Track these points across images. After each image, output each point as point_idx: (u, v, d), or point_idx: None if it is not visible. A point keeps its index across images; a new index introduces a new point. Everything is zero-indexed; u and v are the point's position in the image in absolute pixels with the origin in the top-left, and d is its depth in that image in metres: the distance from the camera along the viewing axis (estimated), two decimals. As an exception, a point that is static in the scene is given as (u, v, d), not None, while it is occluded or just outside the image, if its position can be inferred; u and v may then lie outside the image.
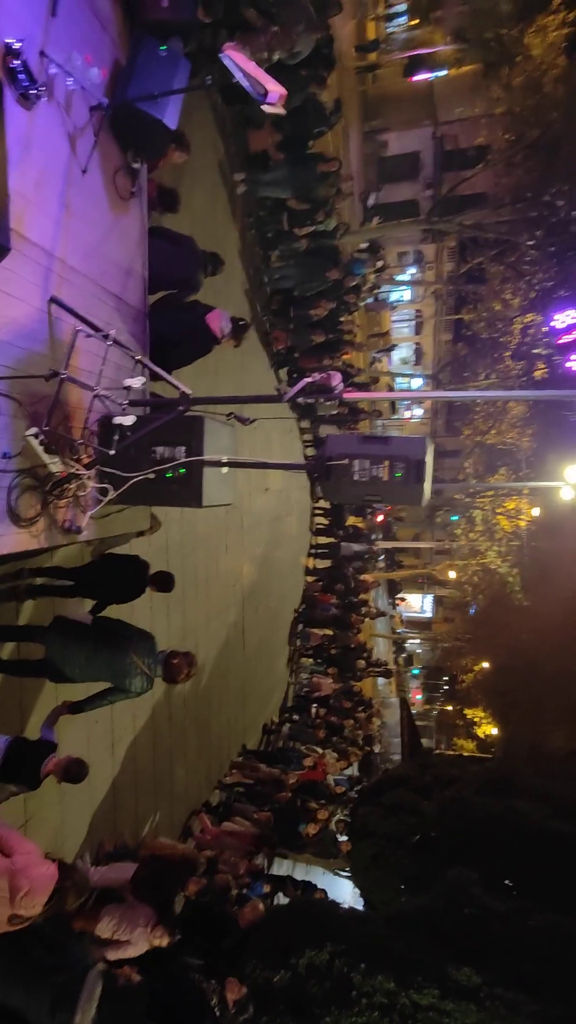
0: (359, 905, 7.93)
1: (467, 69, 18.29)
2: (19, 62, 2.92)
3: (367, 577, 16.82)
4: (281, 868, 8.72)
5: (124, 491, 3.41)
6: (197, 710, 7.77)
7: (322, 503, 15.57)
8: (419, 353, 30.21)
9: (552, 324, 13.45)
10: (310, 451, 14.04)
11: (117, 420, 3.27)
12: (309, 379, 3.39)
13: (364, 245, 14.56)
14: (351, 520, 17.08)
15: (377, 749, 17.26)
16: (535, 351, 15.15)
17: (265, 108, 3.13)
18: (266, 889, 6.65)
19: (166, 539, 6.44)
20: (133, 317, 4.26)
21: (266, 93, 3.07)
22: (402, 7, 25.00)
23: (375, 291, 17.30)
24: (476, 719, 25.32)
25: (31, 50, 3.06)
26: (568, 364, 11.79)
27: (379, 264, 14.68)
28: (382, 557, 24.65)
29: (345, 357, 13.54)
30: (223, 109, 8.28)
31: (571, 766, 10.20)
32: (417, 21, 23.43)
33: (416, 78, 23.17)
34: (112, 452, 3.31)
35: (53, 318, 3.33)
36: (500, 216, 14.49)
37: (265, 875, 6.92)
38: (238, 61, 3.06)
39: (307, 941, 4.88)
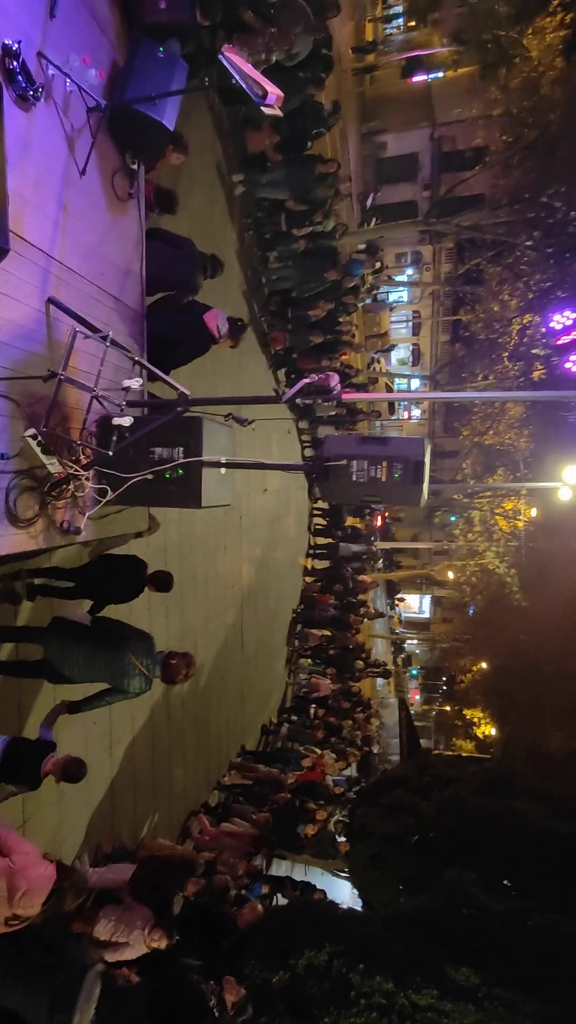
0: (358, 906, 7.92)
1: (465, 71, 18.33)
2: (17, 63, 2.92)
3: (366, 578, 16.81)
4: (280, 869, 8.73)
5: (122, 492, 3.41)
6: (196, 711, 7.77)
7: (321, 504, 15.58)
8: (417, 354, 30.24)
9: (550, 325, 13.45)
10: (309, 452, 14.06)
11: (115, 421, 3.27)
12: (307, 380, 3.40)
13: (362, 246, 14.55)
14: (350, 521, 17.09)
15: (376, 750, 17.25)
16: (533, 352, 15.18)
17: (263, 110, 3.14)
18: (265, 890, 6.66)
19: (164, 540, 6.44)
20: (131, 318, 4.26)
21: (264, 94, 3.08)
22: (400, 9, 25.06)
23: (373, 292, 17.31)
24: (475, 719, 25.32)
25: (29, 51, 3.06)
26: (566, 365, 11.78)
27: (377, 265, 14.65)
28: (381, 559, 24.65)
29: (343, 358, 13.55)
30: (221, 110, 8.29)
31: (570, 766, 10.20)
32: (415, 23, 23.52)
33: (414, 79, 23.25)
34: (110, 453, 3.31)
35: (51, 319, 3.33)
36: (498, 217, 14.51)
37: (264, 876, 6.92)
38: (236, 62, 3.07)
39: (306, 942, 4.88)
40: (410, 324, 30.27)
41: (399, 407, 29.50)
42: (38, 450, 3.08)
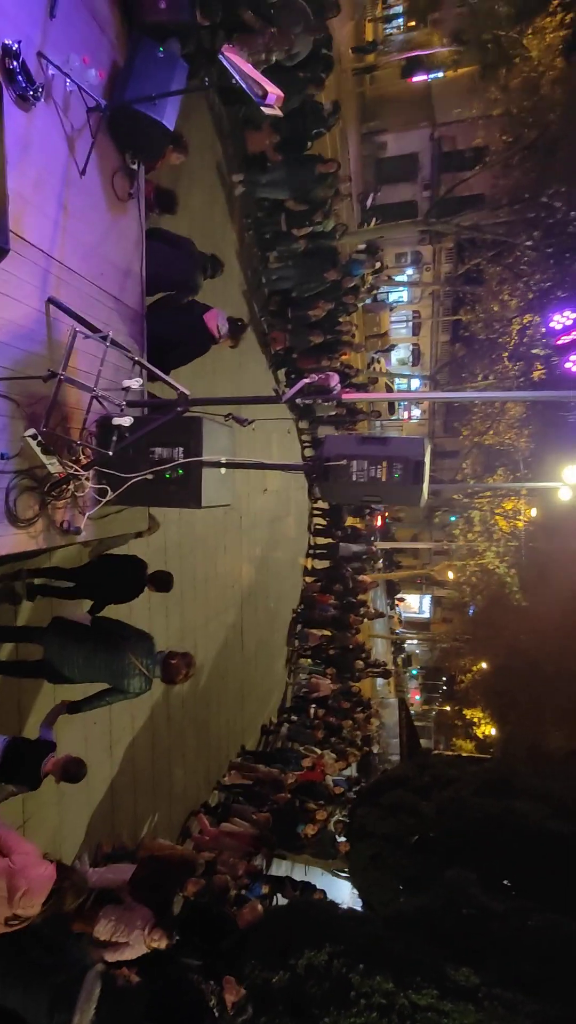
0: (358, 906, 7.92)
1: (465, 71, 18.34)
2: (17, 63, 2.92)
3: (365, 578, 16.82)
4: (280, 869, 8.73)
5: (122, 492, 3.41)
6: (196, 711, 7.77)
7: (321, 504, 15.59)
8: (417, 354, 30.25)
9: (550, 325, 13.44)
10: (309, 452, 14.06)
11: (115, 421, 3.27)
12: (307, 380, 3.40)
13: (362, 246, 14.55)
14: (349, 521, 17.09)
15: (376, 750, 17.25)
16: (533, 352, 15.18)
17: (263, 110, 3.14)
18: (265, 890, 6.66)
19: (164, 540, 6.44)
20: (131, 318, 4.26)
21: (264, 94, 3.08)
22: (400, 9, 25.06)
23: (373, 292, 17.32)
24: (475, 719, 25.32)
25: (29, 51, 3.06)
26: (566, 365, 11.78)
27: (377, 265, 14.66)
28: (381, 559, 24.65)
29: (343, 358, 13.55)
30: (221, 110, 8.29)
31: (570, 766, 10.19)
32: (415, 23, 23.53)
33: (414, 79, 23.25)
34: (110, 453, 3.31)
35: (51, 319, 3.33)
36: (498, 217, 14.51)
37: (264, 876, 6.92)
38: (236, 62, 3.07)
39: (306, 942, 4.88)
40: (410, 324, 30.28)
41: (399, 407, 29.51)
42: (38, 450, 3.08)
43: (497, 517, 19.33)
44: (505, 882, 6.53)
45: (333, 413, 14.09)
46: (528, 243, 14.04)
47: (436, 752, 20.93)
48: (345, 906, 6.74)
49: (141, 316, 4.38)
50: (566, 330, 12.65)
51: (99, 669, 3.81)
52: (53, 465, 3.16)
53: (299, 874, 9.03)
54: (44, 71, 3.18)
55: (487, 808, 7.10)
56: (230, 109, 8.30)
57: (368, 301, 17.02)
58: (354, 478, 3.43)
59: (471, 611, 24.07)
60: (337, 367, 12.43)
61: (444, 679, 31.63)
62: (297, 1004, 4.57)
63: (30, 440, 3.03)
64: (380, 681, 21.88)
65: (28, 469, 3.11)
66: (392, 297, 28.66)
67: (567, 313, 12.67)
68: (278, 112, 3.21)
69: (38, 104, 3.12)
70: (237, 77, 3.08)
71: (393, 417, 29.69)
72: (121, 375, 3.70)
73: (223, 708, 8.91)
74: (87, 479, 3.32)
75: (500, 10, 14.08)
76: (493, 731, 23.29)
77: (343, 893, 9.87)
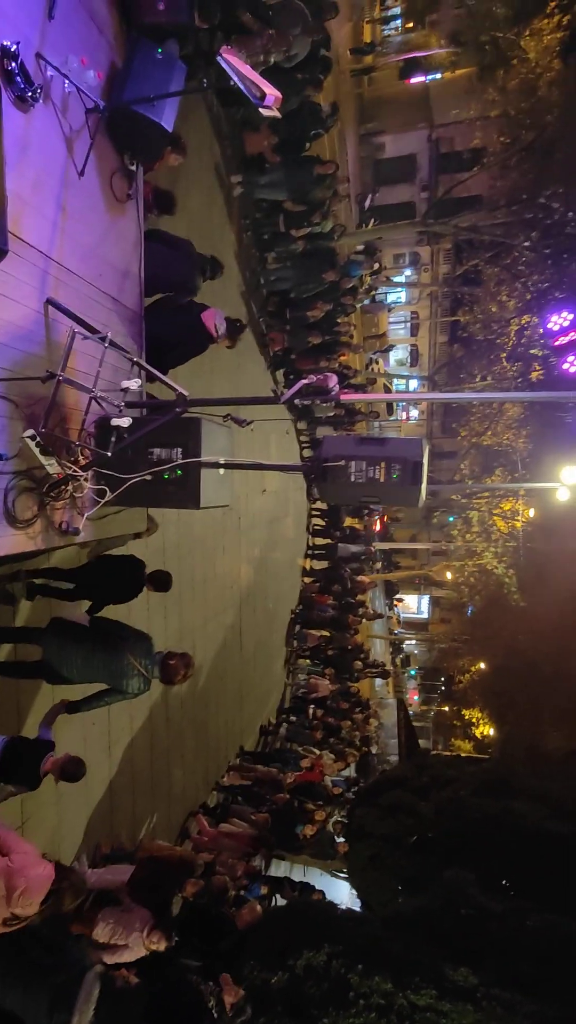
0: (356, 906, 7.91)
1: (462, 72, 18.36)
2: (15, 64, 2.92)
3: (364, 578, 16.82)
4: (279, 869, 8.72)
5: (121, 493, 3.41)
6: (194, 711, 7.77)
7: (319, 504, 15.59)
8: (415, 355, 30.30)
9: (548, 326, 13.45)
10: (307, 452, 14.07)
11: (114, 422, 3.27)
12: (306, 381, 3.40)
13: (360, 247, 14.58)
14: (348, 521, 17.10)
15: (374, 750, 17.24)
16: (531, 353, 15.20)
17: (261, 111, 3.14)
18: (264, 890, 6.65)
19: (163, 541, 6.44)
20: (130, 319, 4.27)
21: (263, 96, 3.08)
22: (398, 10, 25.11)
23: (372, 293, 17.34)
24: (473, 720, 25.34)
25: (27, 52, 3.07)
26: (563, 366, 11.78)
27: (375, 266, 14.69)
28: (379, 559, 24.67)
29: (342, 359, 13.56)
30: (219, 112, 8.30)
31: (568, 767, 10.21)
32: (413, 24, 23.58)
33: (412, 81, 23.29)
34: (109, 454, 3.31)
35: (50, 320, 3.33)
36: (496, 218, 14.52)
37: (263, 876, 6.92)
38: (235, 64, 3.07)
39: (305, 942, 4.88)
40: (408, 325, 30.33)
41: (397, 408, 29.54)
42: (37, 451, 3.08)
43: (495, 518, 19.36)
44: (503, 882, 6.53)
45: (332, 414, 14.10)
46: (526, 244, 14.05)
47: (434, 752, 20.91)
48: (344, 906, 6.74)
49: (140, 317, 4.38)
50: (564, 331, 12.64)
51: (98, 669, 3.81)
52: (52, 466, 3.16)
53: (298, 875, 9.03)
54: (43, 72, 3.19)
55: (485, 808, 7.11)
56: (228, 110, 8.31)
57: (366, 302, 17.05)
58: (352, 479, 3.43)
59: (469, 611, 24.08)
60: (335, 368, 12.45)
61: (442, 679, 31.66)
62: (296, 1005, 4.57)
63: (29, 441, 3.04)
64: (379, 681, 21.87)
65: (27, 470, 3.12)
66: (390, 298, 28.69)
67: (565, 314, 12.67)
68: (276, 113, 3.22)
69: (37, 105, 3.13)
70: (235, 79, 3.09)
71: (391, 418, 29.72)
72: (120, 376, 3.70)
73: (222, 709, 8.91)
74: (86, 480, 3.32)
75: (498, 12, 14.10)
76: (491, 731, 23.31)
77: (342, 894, 9.86)
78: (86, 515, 3.49)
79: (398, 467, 3.36)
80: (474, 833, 6.82)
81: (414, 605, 37.69)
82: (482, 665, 22.94)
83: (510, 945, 5.15)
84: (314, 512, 15.93)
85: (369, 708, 16.51)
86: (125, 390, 3.28)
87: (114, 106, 3.70)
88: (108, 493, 3.42)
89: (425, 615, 37.23)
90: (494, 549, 19.09)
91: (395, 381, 29.24)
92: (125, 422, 3.26)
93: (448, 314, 26.04)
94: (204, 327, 4.80)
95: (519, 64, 13.34)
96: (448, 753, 21.26)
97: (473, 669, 24.02)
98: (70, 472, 3.23)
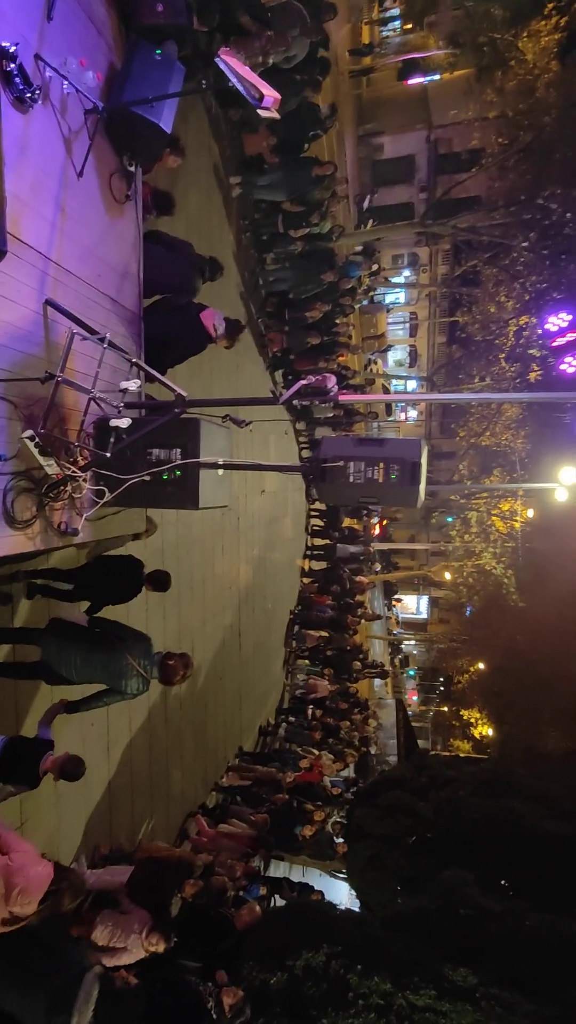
0: (355, 906, 7.92)
1: (461, 73, 18.40)
2: (14, 65, 2.92)
3: (363, 579, 16.83)
4: (278, 870, 8.72)
5: (120, 493, 3.41)
6: (193, 712, 7.77)
7: (318, 505, 15.60)
8: (414, 355, 30.34)
9: (546, 327, 13.49)
10: (306, 453, 14.08)
11: (113, 422, 3.27)
12: (304, 381, 3.40)
13: (359, 248, 14.61)
14: (347, 522, 17.11)
15: (373, 750, 17.24)
16: (529, 353, 15.23)
17: (260, 112, 3.15)
18: (262, 891, 6.65)
19: (162, 541, 6.44)
20: (128, 319, 4.27)
21: (261, 97, 3.09)
22: (396, 11, 25.15)
23: (370, 293, 17.36)
24: (472, 720, 25.33)
25: (26, 54, 3.07)
26: (561, 366, 11.83)
27: (374, 267, 14.73)
28: (378, 560, 24.68)
29: (340, 359, 13.57)
30: (218, 113, 8.31)
31: (566, 767, 10.22)
32: (411, 25, 23.63)
33: (410, 82, 23.33)
34: (108, 454, 3.31)
35: (49, 321, 3.34)
36: (494, 219, 14.55)
37: (262, 877, 6.92)
38: (233, 65, 3.08)
39: (304, 943, 4.87)
40: (407, 325, 30.37)
41: (396, 408, 29.58)
42: (36, 451, 3.08)
43: (494, 518, 19.38)
44: (502, 882, 6.53)
45: (330, 414, 14.12)
46: (524, 245, 14.08)
47: (433, 753, 20.90)
48: (343, 907, 6.73)
49: (138, 318, 4.39)
50: (562, 332, 12.69)
51: (96, 670, 3.81)
52: (51, 466, 3.16)
53: (297, 875, 9.03)
54: (41, 73, 3.19)
55: (484, 808, 7.11)
56: (227, 111, 8.32)
57: (365, 303, 17.07)
58: (351, 479, 3.43)
59: (468, 612, 24.10)
60: (334, 368, 12.45)
61: (441, 680, 31.66)
62: (295, 1005, 4.57)
63: (28, 441, 3.04)
64: (378, 682, 21.89)
65: (26, 470, 3.12)
66: (389, 299, 28.72)
67: (563, 315, 12.72)
68: (275, 114, 3.22)
69: (35, 106, 3.13)
70: (234, 80, 3.09)
71: (390, 418, 29.77)
72: (119, 377, 3.70)
73: (220, 709, 8.91)
74: (85, 480, 3.33)
75: (496, 13, 14.15)
76: (490, 732, 23.30)
77: (341, 894, 9.87)
78: (85, 516, 3.49)
79: (397, 468, 3.36)
80: (473, 833, 6.82)
81: (413, 605, 37.72)
82: (481, 665, 22.95)
83: (509, 945, 5.15)
84: (313, 513, 15.93)
85: (368, 708, 16.50)
86: (124, 391, 3.29)
87: (113, 107, 3.70)
88: (107, 494, 3.43)
89: (424, 615, 37.26)
90: (493, 549, 19.11)
91: (394, 382, 29.26)
92: (124, 423, 3.26)
93: (446, 315, 26.09)
94: (203, 326, 4.81)
95: (517, 65, 13.37)
96: (447, 753, 21.25)
97: (472, 669, 24.02)
98: (69, 473, 3.23)
